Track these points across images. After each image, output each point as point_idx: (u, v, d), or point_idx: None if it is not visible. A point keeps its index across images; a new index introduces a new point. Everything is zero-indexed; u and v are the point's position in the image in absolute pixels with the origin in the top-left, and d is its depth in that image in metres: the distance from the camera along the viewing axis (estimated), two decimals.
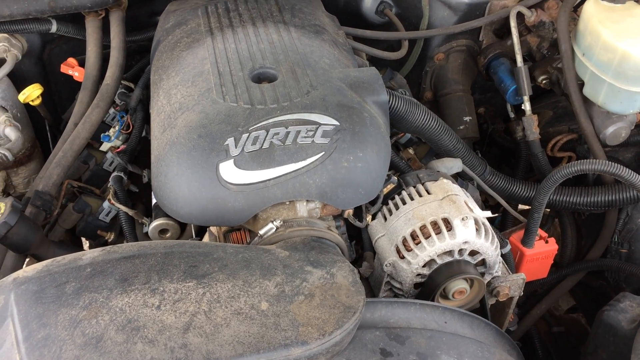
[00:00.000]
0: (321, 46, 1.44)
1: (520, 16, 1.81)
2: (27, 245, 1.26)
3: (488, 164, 1.64)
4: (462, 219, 1.18)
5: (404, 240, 1.20)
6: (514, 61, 1.80)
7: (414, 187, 1.29)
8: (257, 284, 0.95)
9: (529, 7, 1.81)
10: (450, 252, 1.20)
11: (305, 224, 1.16)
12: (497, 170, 1.67)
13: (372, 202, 1.28)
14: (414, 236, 1.20)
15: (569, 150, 1.83)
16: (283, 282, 0.96)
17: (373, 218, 1.30)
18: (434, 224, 1.19)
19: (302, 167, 1.15)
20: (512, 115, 1.91)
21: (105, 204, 1.48)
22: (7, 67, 1.70)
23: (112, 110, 1.68)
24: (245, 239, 1.23)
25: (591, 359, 1.34)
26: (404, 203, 1.26)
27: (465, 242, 1.19)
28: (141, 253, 0.97)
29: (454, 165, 1.42)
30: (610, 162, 1.28)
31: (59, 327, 0.86)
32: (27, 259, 1.35)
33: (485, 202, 1.82)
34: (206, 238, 1.29)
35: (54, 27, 1.72)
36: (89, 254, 0.98)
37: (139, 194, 1.56)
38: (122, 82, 1.69)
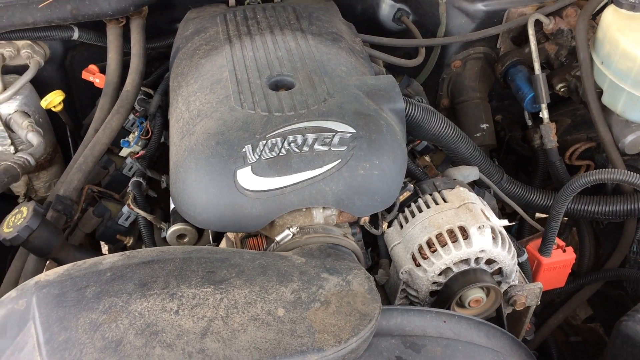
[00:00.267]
0: (338, 54, 1.45)
1: (538, 24, 1.81)
2: (48, 249, 1.28)
3: (505, 171, 1.63)
4: (479, 227, 1.18)
5: (420, 248, 1.20)
6: (532, 69, 1.80)
7: (430, 194, 1.29)
8: (273, 290, 0.95)
9: (547, 15, 1.81)
10: (466, 261, 1.20)
11: (321, 231, 1.17)
12: (514, 178, 1.66)
13: (389, 210, 1.29)
14: (430, 244, 1.20)
15: (587, 159, 1.81)
16: (299, 288, 0.97)
17: (389, 225, 1.30)
18: (451, 232, 1.19)
19: (319, 175, 1.15)
20: (529, 123, 1.91)
21: (125, 209, 1.50)
22: (30, 74, 1.74)
23: (131, 116, 1.71)
24: (261, 245, 1.23)
25: None
26: (420, 211, 1.26)
27: (482, 250, 1.18)
28: (160, 258, 0.99)
29: (471, 173, 1.41)
30: (629, 172, 1.27)
31: (80, 331, 0.87)
32: (47, 263, 1.37)
33: (502, 210, 1.81)
34: (223, 244, 1.30)
35: (75, 34, 1.75)
36: (109, 258, 1.00)
37: (157, 199, 1.58)
38: (141, 88, 1.71)
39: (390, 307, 1.07)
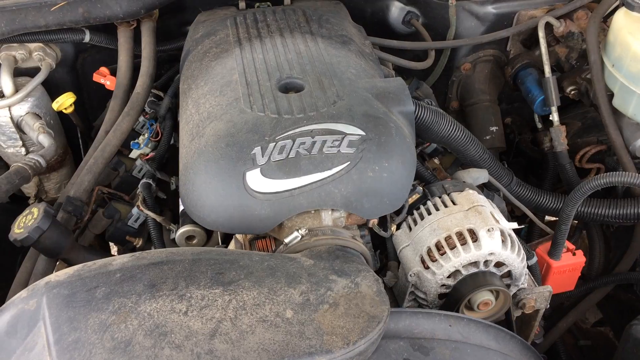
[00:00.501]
0: (348, 56, 1.45)
1: (548, 26, 1.80)
2: (59, 250, 1.29)
3: (515, 174, 1.63)
4: (488, 230, 1.18)
5: (429, 251, 1.20)
6: (542, 71, 1.79)
7: (440, 197, 1.29)
8: (282, 292, 0.95)
9: (558, 18, 1.80)
10: (475, 263, 1.19)
11: (330, 233, 1.17)
12: (523, 181, 1.65)
13: (397, 212, 1.29)
14: (439, 247, 1.20)
15: (597, 162, 1.80)
16: (308, 290, 0.97)
17: (398, 228, 1.30)
18: (460, 235, 1.19)
19: (328, 177, 1.16)
20: (539, 125, 1.90)
21: (134, 210, 1.51)
22: (41, 76, 1.75)
23: (141, 118, 1.72)
24: (270, 246, 1.24)
25: None
26: (429, 213, 1.26)
27: (491, 253, 1.18)
28: (169, 259, 0.99)
29: (480, 175, 1.41)
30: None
31: (89, 331, 0.88)
32: (57, 263, 1.38)
33: (512, 213, 1.81)
34: (232, 245, 1.30)
35: (87, 37, 1.76)
36: (118, 259, 1.00)
37: (166, 201, 1.58)
38: (151, 90, 1.72)
39: (399, 310, 1.07)
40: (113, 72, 1.76)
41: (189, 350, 0.85)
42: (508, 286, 1.26)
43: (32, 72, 1.78)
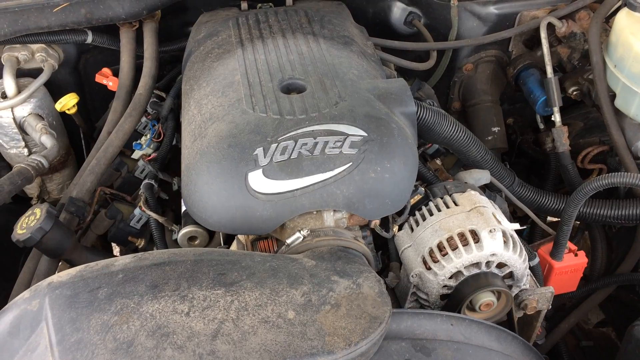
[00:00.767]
0: (350, 57, 1.45)
1: (550, 27, 1.80)
2: (61, 251, 1.29)
3: (517, 175, 1.63)
4: (490, 231, 1.18)
5: (431, 252, 1.20)
6: (544, 72, 1.79)
7: (441, 198, 1.29)
8: (284, 293, 0.96)
9: (560, 18, 1.80)
10: (477, 264, 1.20)
11: (332, 234, 1.17)
12: (525, 182, 1.65)
13: (399, 213, 1.29)
14: (440, 247, 1.20)
15: (599, 162, 1.80)
16: (310, 291, 0.97)
17: (400, 229, 1.30)
18: (461, 236, 1.19)
19: (330, 178, 1.16)
20: (541, 126, 1.90)
21: (137, 211, 1.51)
22: (44, 77, 1.75)
23: (144, 119, 1.72)
24: (272, 247, 1.24)
25: None
26: (431, 214, 1.26)
27: (493, 254, 1.18)
28: (171, 260, 0.99)
29: (482, 176, 1.41)
30: None
31: (92, 332, 0.88)
32: (60, 264, 1.38)
33: (513, 214, 1.81)
34: (234, 246, 1.30)
35: (89, 38, 1.77)
36: (120, 260, 1.00)
37: (168, 202, 1.58)
38: (154, 91, 1.73)
39: (401, 310, 1.07)
40: (115, 73, 1.77)
41: (191, 351, 0.85)
42: (510, 287, 1.26)
43: (34, 73, 1.79)
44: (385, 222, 1.30)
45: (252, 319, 0.90)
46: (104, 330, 0.88)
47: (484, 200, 1.28)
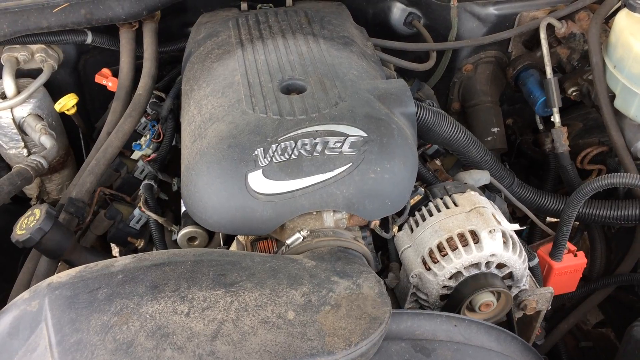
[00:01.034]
0: (350, 58, 1.45)
1: (550, 28, 1.80)
2: (60, 251, 1.29)
3: (516, 175, 1.63)
4: (490, 231, 1.18)
5: (431, 252, 1.20)
6: (544, 73, 1.79)
7: (441, 198, 1.29)
8: (284, 293, 0.96)
9: (560, 19, 1.80)
10: (477, 265, 1.20)
11: (331, 234, 1.17)
12: (525, 182, 1.65)
13: (399, 213, 1.29)
14: (440, 248, 1.20)
15: (599, 163, 1.80)
16: (310, 291, 0.97)
17: (399, 229, 1.30)
18: (461, 236, 1.19)
19: (330, 178, 1.16)
20: (541, 127, 1.90)
21: (136, 212, 1.51)
22: (43, 77, 1.75)
23: (143, 120, 1.72)
24: (272, 248, 1.24)
25: None
26: (431, 214, 1.26)
27: (493, 254, 1.18)
28: (171, 261, 0.99)
29: (482, 177, 1.41)
30: None
31: (91, 332, 0.88)
32: (59, 264, 1.38)
33: (513, 214, 1.81)
34: (234, 246, 1.30)
35: (89, 39, 1.77)
36: (120, 260, 1.00)
37: (168, 202, 1.58)
38: (153, 92, 1.73)
39: (400, 311, 1.07)
40: (115, 74, 1.76)
41: (191, 351, 0.85)
42: (509, 287, 1.26)
43: (34, 74, 1.78)
44: (385, 223, 1.30)
45: (252, 320, 0.90)
46: (104, 331, 0.88)
47: (483, 200, 1.28)
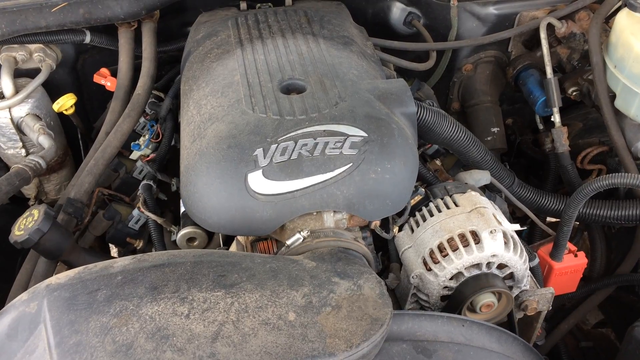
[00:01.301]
0: (350, 57, 1.45)
1: (550, 27, 1.80)
2: (59, 252, 1.28)
3: (516, 175, 1.62)
4: (491, 231, 1.17)
5: (431, 253, 1.20)
6: (544, 72, 1.79)
7: (442, 199, 1.28)
8: (284, 295, 0.95)
9: (560, 19, 1.80)
10: (478, 265, 1.19)
11: (332, 235, 1.17)
12: (525, 182, 1.65)
13: (399, 214, 1.28)
14: (441, 248, 1.19)
15: (599, 163, 1.80)
16: (310, 292, 0.96)
17: (400, 229, 1.29)
18: (462, 237, 1.18)
19: (330, 178, 1.15)
20: (541, 126, 1.90)
21: (135, 212, 1.50)
22: (41, 77, 1.74)
23: (142, 120, 1.71)
24: (272, 248, 1.23)
25: None
26: (432, 215, 1.25)
27: (494, 255, 1.18)
28: (171, 262, 0.99)
29: (482, 177, 1.41)
30: None
31: (90, 334, 0.87)
32: (57, 265, 1.37)
33: (512, 215, 1.80)
34: (233, 247, 1.30)
35: (87, 38, 1.76)
36: (119, 262, 1.00)
37: (167, 202, 1.58)
38: (152, 91, 1.72)
39: (402, 312, 1.07)
40: (113, 73, 1.76)
41: (191, 353, 0.85)
42: (510, 288, 1.25)
43: (32, 73, 1.77)
44: (385, 223, 1.29)
45: (252, 321, 0.90)
46: (103, 333, 0.87)
47: (484, 201, 1.27)
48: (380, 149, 1.18)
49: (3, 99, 1.71)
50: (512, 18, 1.87)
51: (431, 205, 1.27)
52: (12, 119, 1.73)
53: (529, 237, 1.87)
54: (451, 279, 1.19)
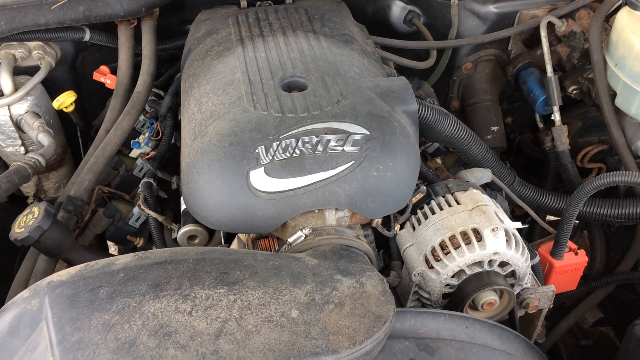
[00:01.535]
0: (351, 55, 1.45)
1: (550, 26, 1.80)
2: (59, 250, 1.28)
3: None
4: (493, 229, 1.17)
5: (433, 250, 1.20)
6: (544, 71, 1.79)
7: (443, 197, 1.28)
8: (287, 292, 0.95)
9: (560, 17, 1.80)
10: (479, 263, 1.19)
11: (334, 233, 1.16)
12: (525, 181, 1.65)
13: (401, 212, 1.28)
14: (443, 246, 1.19)
15: (598, 162, 1.80)
16: (313, 290, 0.96)
17: (401, 227, 1.29)
18: (464, 235, 1.18)
19: (332, 176, 1.15)
20: (540, 125, 1.90)
21: (136, 210, 1.50)
22: (41, 75, 1.74)
23: (142, 117, 1.71)
24: (273, 246, 1.23)
25: None
26: (433, 213, 1.25)
27: (496, 253, 1.18)
28: (173, 259, 0.98)
29: (484, 175, 1.41)
30: None
31: (93, 331, 0.87)
32: (57, 263, 1.37)
33: (512, 213, 1.80)
34: (234, 245, 1.29)
35: (87, 36, 1.75)
36: (121, 259, 0.99)
37: (167, 200, 1.57)
38: (152, 89, 1.71)
39: (404, 309, 1.06)
40: (112, 71, 1.75)
41: (194, 350, 0.84)
42: (512, 286, 1.25)
43: (31, 71, 1.77)
44: (386, 221, 1.29)
45: (255, 318, 0.90)
46: (105, 330, 0.87)
47: (486, 198, 1.27)
48: (382, 147, 1.18)
49: (2, 96, 1.71)
50: (512, 17, 1.86)
51: (433, 203, 1.27)
52: (11, 117, 1.72)
53: (529, 236, 1.87)
54: (453, 276, 1.19)
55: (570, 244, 1.46)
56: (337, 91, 1.28)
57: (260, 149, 1.15)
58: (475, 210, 1.22)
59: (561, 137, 1.74)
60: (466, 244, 1.17)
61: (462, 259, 1.17)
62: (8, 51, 1.74)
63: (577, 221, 1.86)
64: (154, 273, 0.95)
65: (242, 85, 1.31)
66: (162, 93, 1.77)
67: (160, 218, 1.46)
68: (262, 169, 1.14)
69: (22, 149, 1.79)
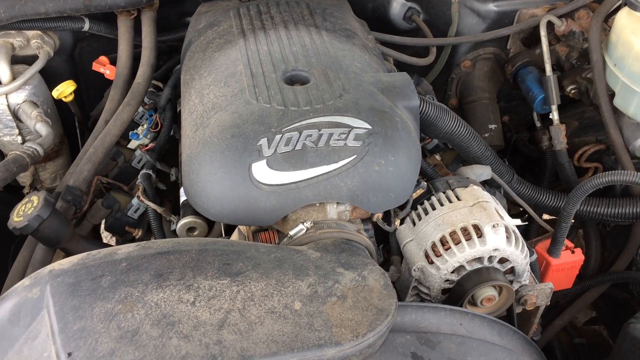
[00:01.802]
0: (352, 50, 1.45)
1: (549, 25, 1.81)
2: (58, 239, 1.27)
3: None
4: (493, 225, 1.17)
5: (433, 246, 1.20)
6: (542, 70, 1.80)
7: (444, 192, 1.28)
8: (290, 284, 0.95)
9: (559, 17, 1.80)
10: (479, 259, 1.19)
11: (335, 226, 1.17)
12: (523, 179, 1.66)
13: (402, 207, 1.28)
14: (443, 242, 1.19)
15: (595, 161, 1.81)
16: (315, 282, 0.96)
17: (401, 222, 1.30)
18: (464, 230, 1.19)
19: (334, 170, 1.15)
20: (538, 124, 1.91)
21: (134, 201, 1.49)
22: (39, 64, 1.73)
23: (140, 109, 1.70)
24: (273, 239, 1.23)
25: None
26: (434, 208, 1.25)
27: (496, 249, 1.18)
28: (176, 249, 0.98)
29: (483, 172, 1.41)
30: None
31: (95, 320, 0.87)
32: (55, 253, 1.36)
33: (508, 211, 1.81)
34: (235, 236, 1.29)
35: (86, 26, 1.74)
36: (124, 248, 0.99)
37: (166, 192, 1.57)
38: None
39: (405, 304, 1.07)
40: (112, 62, 1.74)
41: (198, 340, 0.84)
42: (511, 282, 1.26)
43: (29, 60, 1.75)
44: (387, 216, 1.29)
45: (258, 309, 0.90)
46: (108, 319, 0.87)
47: (486, 195, 1.28)
48: (384, 142, 1.18)
49: (0, 85, 1.69)
50: (511, 15, 1.87)
51: (433, 198, 1.27)
52: (9, 106, 1.71)
53: (526, 234, 1.88)
54: (453, 272, 1.20)
55: (567, 242, 1.47)
56: (339, 85, 1.28)
57: (263, 142, 1.15)
58: (475, 207, 1.23)
59: (559, 136, 1.75)
60: (467, 240, 1.17)
61: (462, 255, 1.17)
62: (6, 40, 1.72)
63: (573, 220, 1.87)
64: (157, 263, 0.95)
65: (244, 77, 1.30)
66: (160, 85, 1.76)
67: (159, 209, 1.45)
68: (264, 161, 1.14)
69: (20, 139, 1.78)
